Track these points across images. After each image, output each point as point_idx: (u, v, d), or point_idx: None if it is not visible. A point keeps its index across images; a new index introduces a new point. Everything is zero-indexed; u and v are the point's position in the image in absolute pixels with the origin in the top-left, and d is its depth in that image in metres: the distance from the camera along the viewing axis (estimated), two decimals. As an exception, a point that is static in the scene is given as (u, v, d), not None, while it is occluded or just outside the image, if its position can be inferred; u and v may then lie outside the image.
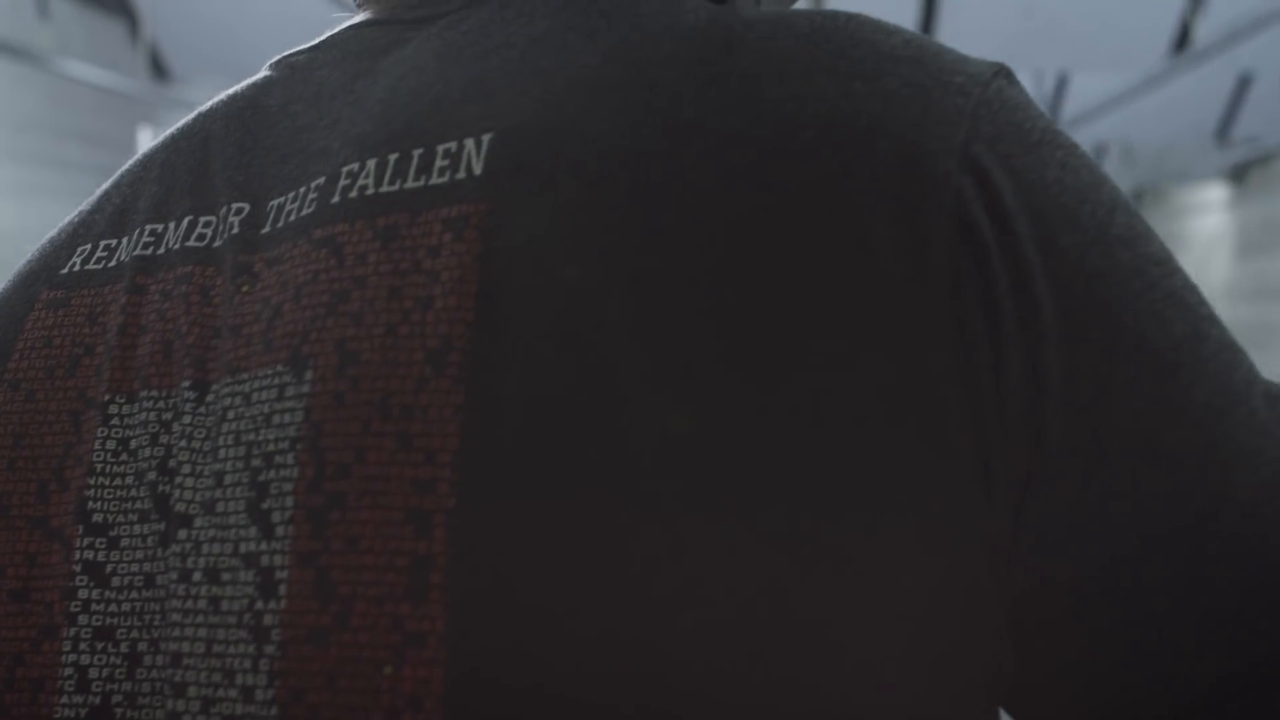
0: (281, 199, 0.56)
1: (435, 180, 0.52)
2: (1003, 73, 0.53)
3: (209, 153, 0.60)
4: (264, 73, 0.63)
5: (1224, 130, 7.76)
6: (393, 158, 0.53)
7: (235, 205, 0.57)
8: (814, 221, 0.48)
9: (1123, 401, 0.48)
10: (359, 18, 0.62)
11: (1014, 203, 0.49)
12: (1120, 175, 9.07)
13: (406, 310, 0.50)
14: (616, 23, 0.54)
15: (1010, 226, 0.48)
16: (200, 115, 0.63)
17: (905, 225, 0.48)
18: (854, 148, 0.49)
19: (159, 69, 6.95)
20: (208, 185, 0.59)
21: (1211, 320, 0.51)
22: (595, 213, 0.49)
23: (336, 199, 0.53)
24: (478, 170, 0.51)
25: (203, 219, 0.58)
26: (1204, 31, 5.64)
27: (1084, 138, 8.16)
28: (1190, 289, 0.52)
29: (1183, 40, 6.04)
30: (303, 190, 0.55)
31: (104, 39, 6.95)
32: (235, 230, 0.56)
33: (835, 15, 0.54)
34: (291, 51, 0.63)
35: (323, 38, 0.63)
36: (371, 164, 0.53)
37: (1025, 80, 7.18)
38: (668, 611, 0.45)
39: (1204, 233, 9.85)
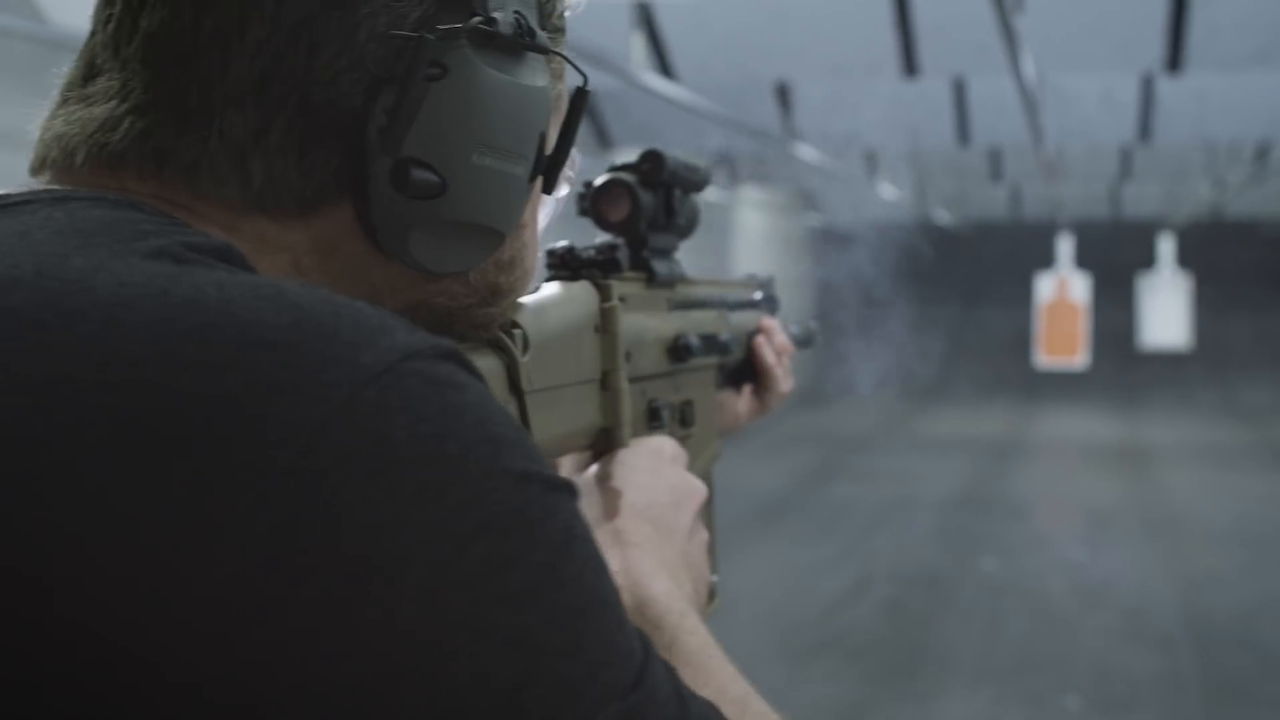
0: None
1: None
2: (417, 356, 0.49)
3: None
4: None
5: None
6: None
7: None
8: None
9: None
10: None
11: (314, 557, 0.45)
12: None
13: None
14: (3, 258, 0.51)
15: (300, 587, 0.45)
16: None
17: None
18: (146, 456, 0.45)
19: (602, 137, 7.62)
20: None
21: (562, 653, 0.48)
22: None
23: None
24: None
25: None
26: None
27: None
28: (551, 616, 0.49)
29: None
30: None
31: (554, 116, 7.58)
32: None
33: (237, 285, 0.50)
34: None
35: None
36: None
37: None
38: None
39: None
